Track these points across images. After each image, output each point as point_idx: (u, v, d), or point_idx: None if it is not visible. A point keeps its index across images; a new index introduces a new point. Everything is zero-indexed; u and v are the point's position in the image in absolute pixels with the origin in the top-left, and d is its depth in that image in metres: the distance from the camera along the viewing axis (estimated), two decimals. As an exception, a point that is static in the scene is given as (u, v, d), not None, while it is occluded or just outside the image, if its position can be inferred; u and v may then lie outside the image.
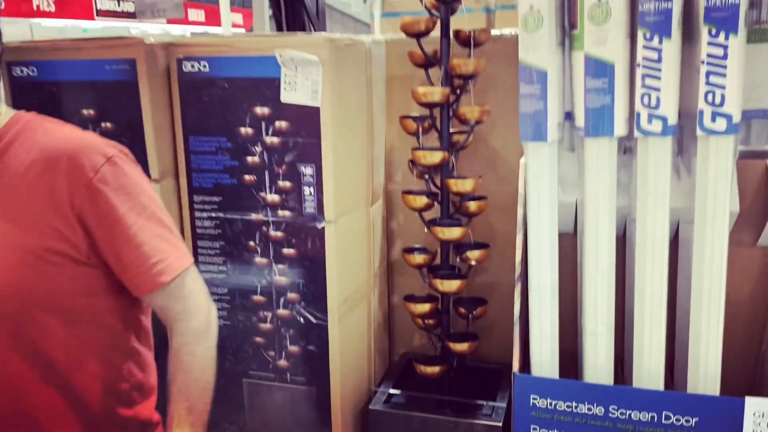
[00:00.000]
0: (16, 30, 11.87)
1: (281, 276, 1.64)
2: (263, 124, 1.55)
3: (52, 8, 13.40)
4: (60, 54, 1.59)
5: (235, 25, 16.37)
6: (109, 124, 1.60)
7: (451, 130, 1.65)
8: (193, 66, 1.55)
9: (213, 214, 1.65)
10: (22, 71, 1.61)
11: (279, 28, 2.96)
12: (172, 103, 1.60)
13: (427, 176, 1.68)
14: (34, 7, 12.86)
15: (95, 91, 1.58)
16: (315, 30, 3.58)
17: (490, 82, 1.76)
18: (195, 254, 1.68)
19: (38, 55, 1.60)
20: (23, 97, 1.63)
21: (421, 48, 1.60)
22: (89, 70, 1.56)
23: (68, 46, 1.59)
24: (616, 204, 1.48)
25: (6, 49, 1.58)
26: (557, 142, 1.48)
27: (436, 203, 1.67)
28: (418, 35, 1.58)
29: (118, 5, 15.26)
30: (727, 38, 1.26)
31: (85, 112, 1.60)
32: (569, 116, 1.55)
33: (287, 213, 1.60)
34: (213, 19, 17.37)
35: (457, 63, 1.54)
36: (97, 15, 14.71)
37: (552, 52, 1.40)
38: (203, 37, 1.56)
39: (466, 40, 1.59)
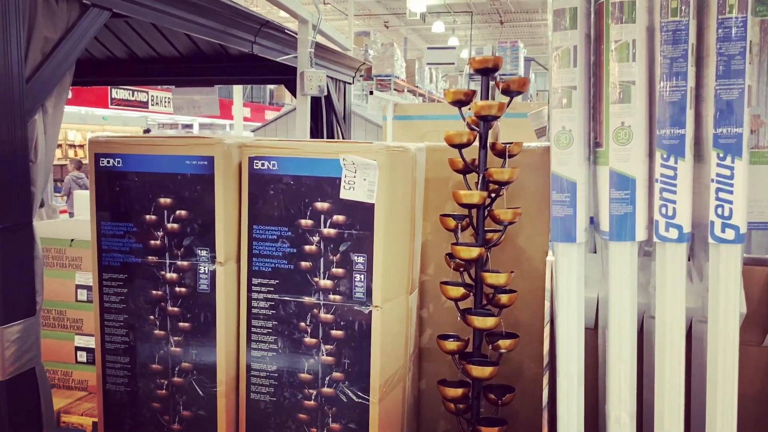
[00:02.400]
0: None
1: (328, 356, 1.78)
2: (322, 217, 1.74)
3: (69, 95, 14.04)
4: (145, 149, 1.81)
5: (245, 119, 17.05)
6: (183, 212, 1.79)
7: (485, 229, 1.85)
8: (263, 164, 1.76)
9: (269, 296, 1.81)
10: (108, 162, 1.82)
11: (313, 130, 3.23)
12: (241, 195, 1.80)
13: (462, 269, 1.86)
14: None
15: (174, 183, 1.78)
16: (342, 131, 3.89)
17: (518, 186, 1.98)
18: (248, 333, 1.83)
19: (125, 148, 1.82)
20: (107, 185, 1.83)
21: (462, 157, 1.83)
22: (170, 163, 1.78)
23: (154, 142, 1.81)
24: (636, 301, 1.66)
25: (95, 141, 1.80)
26: (584, 244, 1.67)
27: (470, 294, 1.84)
28: (460, 146, 1.81)
29: (132, 95, 15.98)
30: (733, 161, 1.49)
31: (162, 200, 1.80)
32: (592, 221, 1.75)
33: (338, 297, 1.76)
34: (224, 112, 18.15)
35: (494, 171, 1.76)
36: (111, 103, 15.39)
37: (581, 166, 1.62)
38: (273, 141, 1.79)
39: (501, 152, 1.82)
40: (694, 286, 1.78)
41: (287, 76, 3.72)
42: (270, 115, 19.47)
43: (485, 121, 1.76)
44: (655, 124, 1.56)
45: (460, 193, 1.77)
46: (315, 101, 3.21)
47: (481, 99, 1.78)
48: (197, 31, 2.48)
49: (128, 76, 4.43)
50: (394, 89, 13.84)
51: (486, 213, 1.83)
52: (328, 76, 3.17)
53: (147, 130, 10.70)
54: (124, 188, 1.83)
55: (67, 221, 3.91)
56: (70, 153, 12.95)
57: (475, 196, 1.76)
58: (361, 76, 12.72)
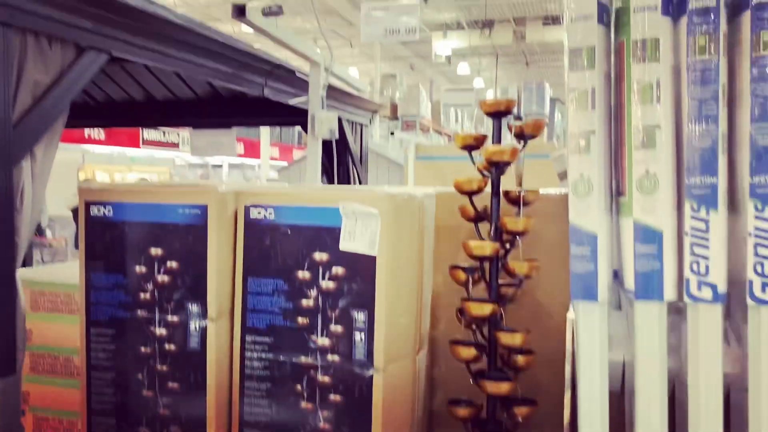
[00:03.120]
0: (70, 156, 12.64)
1: (325, 423, 1.63)
2: (320, 269, 1.62)
3: (102, 136, 14.36)
4: (137, 197, 1.71)
5: (272, 158, 17.21)
6: (174, 264, 1.69)
7: (500, 283, 1.70)
8: (259, 213, 1.66)
9: (263, 355, 1.68)
10: (99, 211, 1.73)
11: (329, 173, 3.14)
12: (236, 245, 1.69)
13: (474, 327, 1.71)
14: (86, 135, 13.80)
15: (166, 233, 1.68)
16: (359, 174, 3.79)
17: (534, 236, 1.83)
18: (241, 395, 1.69)
19: (117, 196, 1.73)
20: (98, 235, 1.74)
21: (473, 205, 1.70)
22: (163, 212, 1.68)
23: (147, 190, 1.72)
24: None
25: (86, 189, 1.71)
26: (607, 303, 1.51)
27: (483, 355, 1.69)
28: (471, 193, 1.68)
29: (163, 136, 16.28)
30: (773, 213, 1.33)
31: (153, 251, 1.70)
32: (616, 274, 1.60)
33: (336, 358, 1.62)
34: (251, 151, 18.37)
35: (508, 221, 1.62)
36: (143, 143, 15.69)
37: (601, 217, 1.47)
38: (271, 187, 1.68)
39: (515, 200, 1.68)
40: (731, 350, 1.60)
41: (302, 119, 3.65)
42: (298, 155, 19.65)
43: (497, 167, 1.63)
44: (683, 171, 1.42)
45: (471, 244, 1.63)
46: (329, 144, 3.13)
47: (492, 143, 1.66)
48: (206, 74, 2.42)
49: (146, 118, 4.43)
50: (420, 129, 13.85)
51: (500, 266, 1.69)
52: (344, 119, 3.09)
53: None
54: (115, 238, 1.73)
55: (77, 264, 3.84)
56: (98, 193, 13.09)
57: (487, 247, 1.62)
58: (385, 116, 12.76)
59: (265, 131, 15.52)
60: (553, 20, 17.82)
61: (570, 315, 1.88)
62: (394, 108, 13.43)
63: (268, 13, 2.16)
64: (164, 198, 1.69)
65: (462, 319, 1.72)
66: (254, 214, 1.67)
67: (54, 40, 1.70)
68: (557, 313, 1.90)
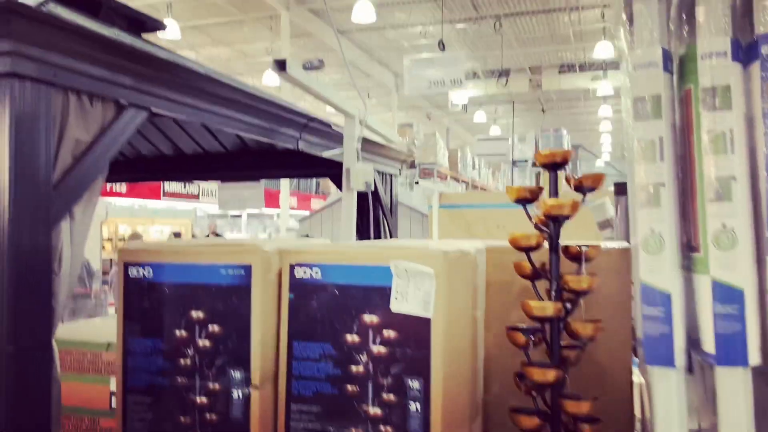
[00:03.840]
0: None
1: (378, 499, 1.51)
2: (370, 333, 1.52)
3: (124, 189, 14.54)
4: (178, 257, 1.65)
5: (291, 207, 17.27)
6: (216, 327, 1.60)
7: (561, 344, 1.59)
8: (305, 272, 1.58)
9: (310, 425, 1.57)
10: (138, 272, 1.66)
11: (359, 225, 3.08)
12: (281, 307, 1.60)
13: (536, 393, 1.59)
14: (108, 189, 13.98)
15: (207, 295, 1.60)
16: (389, 225, 3.72)
17: (594, 294, 1.73)
18: (286, 468, 1.58)
19: (156, 257, 1.66)
20: (136, 297, 1.67)
21: (531, 261, 1.60)
22: (204, 273, 1.61)
23: (188, 250, 1.65)
24: (753, 437, 1.36)
25: (125, 250, 1.65)
26: (684, 368, 1.40)
27: (546, 424, 1.56)
28: (528, 249, 1.59)
29: (184, 187, 16.46)
30: None
31: (194, 314, 1.62)
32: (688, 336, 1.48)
33: (389, 429, 1.51)
34: (270, 200, 18.48)
35: (571, 279, 1.53)
36: (164, 195, 15.86)
37: (675, 275, 1.37)
38: (316, 245, 1.60)
39: (575, 255, 1.59)
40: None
41: (332, 170, 3.61)
42: (316, 204, 19.71)
43: (556, 221, 1.55)
44: (763, 224, 1.32)
45: (532, 304, 1.53)
46: (361, 196, 3.07)
47: (549, 196, 1.57)
48: (241, 128, 2.39)
49: (175, 172, 4.42)
50: (437, 177, 13.84)
51: (561, 326, 1.58)
52: (375, 170, 3.05)
53: (177, 234, 10.72)
54: (154, 301, 1.66)
55: (105, 320, 3.78)
56: (120, 246, 13.19)
57: (548, 308, 1.52)
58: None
59: (284, 181, 15.60)
60: (569, 68, 17.97)
61: (637, 379, 1.75)
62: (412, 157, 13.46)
63: (309, 67, 2.14)
64: (206, 258, 1.61)
65: (522, 385, 1.61)
66: (300, 273, 1.59)
67: (95, 98, 1.68)
68: (619, 376, 1.78)
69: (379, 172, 3.40)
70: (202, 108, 2.09)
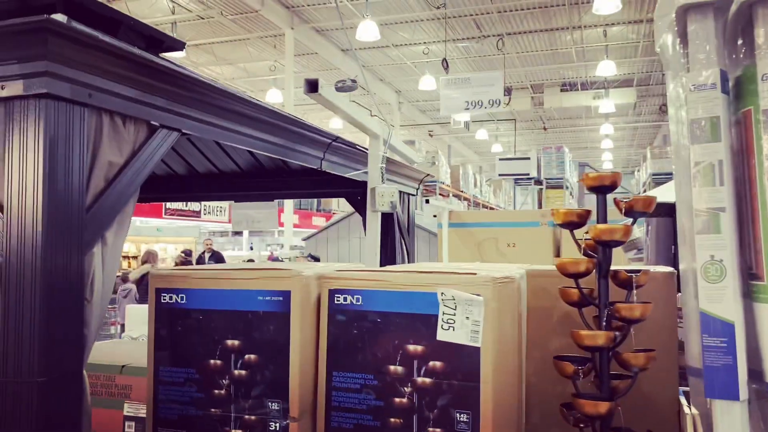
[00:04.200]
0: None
1: None
2: (415, 363, 1.47)
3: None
4: (211, 283, 1.59)
5: (295, 226, 17.24)
6: (253, 357, 1.55)
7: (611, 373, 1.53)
8: (345, 299, 1.52)
9: (351, 459, 1.51)
10: (171, 298, 1.61)
11: (382, 246, 3.03)
12: (319, 335, 1.55)
13: (583, 425, 1.53)
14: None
15: (244, 322, 1.55)
16: (407, 245, 3.66)
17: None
18: (325, 504, 1.51)
19: (189, 283, 1.61)
20: (168, 324, 1.61)
21: (579, 288, 1.55)
22: (240, 300, 1.55)
23: (222, 275, 1.59)
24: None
25: (157, 275, 1.59)
26: (747, 402, 1.34)
27: (597, 458, 1.50)
28: (576, 275, 1.53)
29: (186, 205, 16.41)
30: None
31: (229, 343, 1.56)
32: (743, 366, 1.42)
33: (435, 463, 1.45)
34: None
35: (623, 307, 1.47)
36: (165, 213, 15.80)
37: (737, 303, 1.32)
38: (357, 271, 1.55)
39: (625, 282, 1.53)
40: None
41: (349, 189, 3.57)
42: (317, 221, 19.68)
43: (606, 247, 1.50)
44: (829, 251, 1.27)
45: (582, 333, 1.48)
46: (383, 216, 3.02)
47: (598, 220, 1.52)
48: (267, 149, 2.34)
49: (187, 192, 4.37)
50: (440, 194, 13.81)
51: (611, 356, 1.53)
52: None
53: (188, 253, 10.49)
54: (186, 328, 1.60)
55: (117, 343, 3.71)
56: (124, 264, 13.12)
57: (600, 337, 1.46)
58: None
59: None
60: (571, 86, 18.04)
61: (688, 410, 1.69)
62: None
63: (341, 88, 2.10)
64: (243, 284, 1.56)
65: (569, 416, 1.55)
66: (339, 300, 1.53)
67: (128, 119, 1.63)
68: (666, 406, 1.72)
69: (398, 191, 3.36)
70: (231, 129, 2.04)
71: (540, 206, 16.73)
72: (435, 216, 6.82)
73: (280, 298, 1.52)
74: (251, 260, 11.78)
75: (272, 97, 14.76)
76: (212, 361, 1.58)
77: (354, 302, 1.52)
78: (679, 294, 1.71)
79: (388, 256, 3.61)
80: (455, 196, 15.44)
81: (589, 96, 17.82)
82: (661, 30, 1.59)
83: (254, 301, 1.54)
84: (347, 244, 9.97)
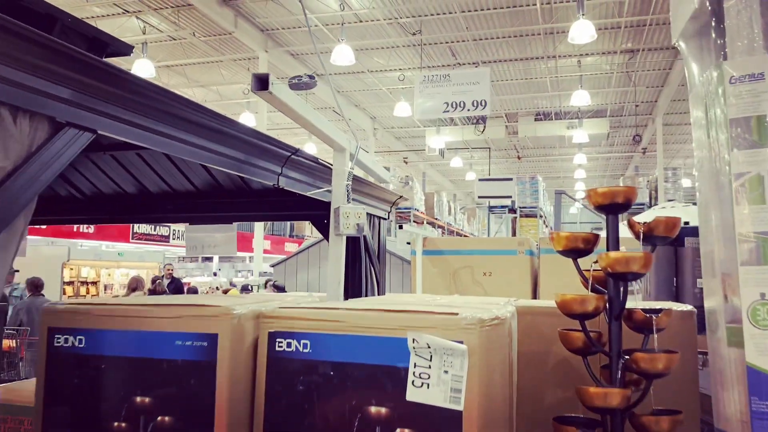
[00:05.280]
0: (55, 251, 12.08)
1: None
2: (378, 431, 1.13)
3: (92, 230, 13.91)
4: (118, 322, 1.24)
5: (266, 251, 16.77)
6: (168, 419, 1.19)
7: (624, 441, 1.21)
8: (289, 345, 1.18)
9: None
10: (66, 341, 1.25)
11: (348, 275, 2.69)
12: (255, 392, 1.20)
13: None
14: (74, 229, 13.34)
15: (157, 373, 1.19)
16: (377, 273, 3.33)
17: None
18: None
19: (90, 321, 1.25)
20: (62, 373, 1.25)
21: (586, 331, 1.23)
22: (154, 344, 1.20)
23: (131, 312, 1.24)
24: None
25: (50, 311, 1.24)
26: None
27: None
28: (583, 316, 1.22)
29: (154, 229, 15.86)
30: None
31: (139, 400, 1.20)
32: None
33: None
34: (243, 245, 17.93)
35: (642, 358, 1.16)
36: (132, 238, 15.22)
37: (796, 357, 1.02)
38: (306, 308, 1.21)
39: (643, 325, 1.22)
40: None
41: (314, 212, 3.23)
42: (291, 247, 19.25)
43: (621, 280, 1.19)
44: None
45: (592, 392, 1.16)
46: (350, 241, 2.69)
47: (608, 247, 1.22)
48: (212, 160, 2.01)
49: (137, 213, 3.99)
50: (414, 221, 13.55)
51: (624, 417, 1.21)
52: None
53: (154, 280, 9.50)
54: (84, 380, 1.24)
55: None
56: (82, 290, 12.50)
57: (614, 396, 1.15)
58: (383, 209, 12.45)
59: (259, 223, 15.16)
60: (545, 115, 18.09)
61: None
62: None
63: (296, 85, 1.78)
64: (157, 324, 1.21)
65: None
66: (282, 345, 1.19)
67: (21, 113, 1.29)
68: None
69: (367, 214, 3.04)
70: (164, 133, 1.70)
71: (514, 234, 16.57)
72: (409, 243, 6.53)
73: (205, 344, 1.17)
74: (226, 291, 11.10)
75: (245, 121, 14.44)
76: (116, 424, 1.21)
77: (300, 349, 1.18)
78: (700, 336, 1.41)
79: (354, 286, 3.27)
80: (429, 223, 15.26)
81: (563, 126, 17.87)
82: (680, 20, 1.31)
83: (171, 347, 1.19)
84: (317, 271, 9.59)
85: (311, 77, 1.69)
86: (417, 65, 13.25)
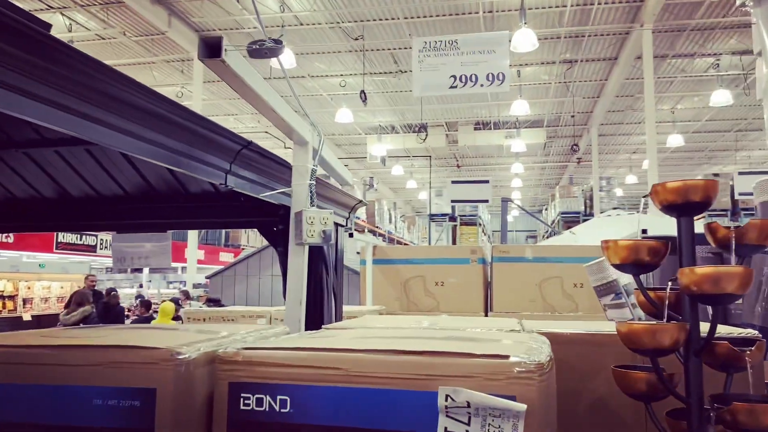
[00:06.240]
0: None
1: None
2: None
3: (11, 239, 12.88)
4: (16, 372, 0.85)
5: (200, 262, 16.08)
6: None
7: None
8: (260, 402, 0.83)
9: None
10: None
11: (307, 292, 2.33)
12: (211, 470, 0.84)
13: None
14: (-9, 238, 12.30)
15: (65, 449, 0.81)
16: (334, 287, 2.97)
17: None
18: None
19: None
20: None
21: (659, 371, 0.93)
22: (63, 403, 0.82)
23: (26, 357, 0.85)
24: None
25: None
26: None
27: None
28: (656, 353, 0.92)
29: (79, 239, 14.87)
30: None
31: (35, 489, 0.82)
32: None
33: None
34: (175, 255, 17.10)
35: (744, 409, 0.87)
36: (57, 248, 14.20)
37: None
38: (282, 350, 0.86)
39: (728, 361, 0.93)
40: None
41: (263, 218, 2.87)
42: (226, 257, 18.56)
43: (711, 304, 0.89)
44: None
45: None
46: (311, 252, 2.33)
47: (680, 261, 0.92)
48: (144, 151, 1.62)
49: (56, 220, 3.50)
50: (356, 230, 13.29)
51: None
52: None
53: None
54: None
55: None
56: (-4, 306, 11.51)
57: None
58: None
59: (192, 232, 14.46)
60: (484, 125, 18.22)
61: None
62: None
63: (256, 51, 1.40)
64: (68, 373, 0.83)
65: None
66: (250, 403, 0.84)
67: None
68: None
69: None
70: (80, 112, 1.29)
71: (454, 242, 16.50)
72: (358, 252, 6.20)
73: (137, 403, 0.80)
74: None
75: (178, 125, 13.74)
76: None
77: (276, 408, 0.83)
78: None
79: (315, 304, 2.90)
80: (371, 231, 15.03)
81: (502, 135, 18.02)
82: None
83: (88, 409, 0.82)
84: (257, 282, 9.09)
85: (277, 42, 1.33)
86: (359, 71, 13.00)
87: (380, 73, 13.72)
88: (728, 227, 0.90)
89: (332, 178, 2.54)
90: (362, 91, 12.31)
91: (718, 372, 0.95)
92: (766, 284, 1.75)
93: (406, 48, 12.37)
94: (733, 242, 0.89)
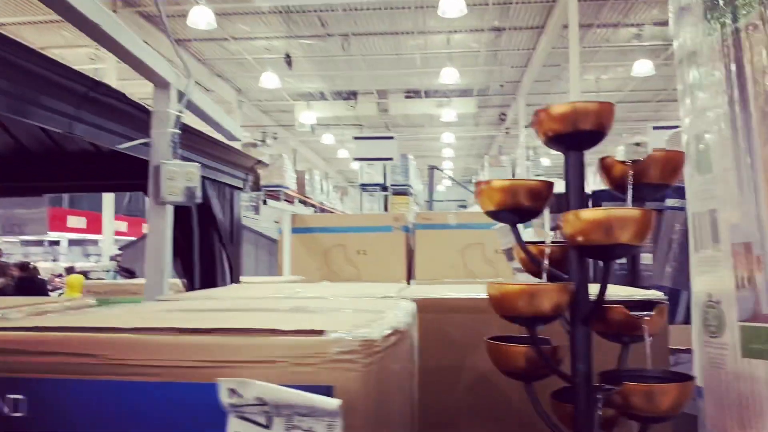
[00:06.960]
0: None
1: None
2: None
3: None
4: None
5: (118, 233, 15.34)
6: None
7: None
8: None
9: None
10: None
11: (184, 255, 2.06)
12: None
13: None
14: None
15: None
16: (229, 256, 2.71)
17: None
18: None
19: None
20: None
21: (537, 345, 0.74)
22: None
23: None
24: None
25: None
26: None
27: None
28: (535, 320, 0.72)
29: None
30: None
31: None
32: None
33: None
34: (94, 226, 16.21)
35: (638, 390, 0.68)
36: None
37: None
38: (48, 318, 0.61)
39: (623, 329, 0.75)
40: None
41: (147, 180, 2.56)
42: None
43: (603, 258, 0.70)
44: None
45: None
46: (185, 214, 2.07)
47: (569, 205, 0.73)
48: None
49: None
50: (285, 200, 12.93)
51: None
52: (206, 177, 2.07)
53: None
54: None
55: None
56: None
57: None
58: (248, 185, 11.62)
59: (108, 201, 13.71)
60: (415, 93, 18.06)
61: None
62: (256, 177, 12.33)
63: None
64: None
65: None
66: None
67: None
68: None
69: (214, 182, 2.40)
70: None
71: (386, 212, 16.40)
72: (277, 222, 5.91)
73: None
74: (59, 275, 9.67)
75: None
76: None
77: (4, 410, 0.59)
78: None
79: (207, 274, 2.64)
80: (301, 201, 14.72)
81: (433, 104, 17.91)
82: None
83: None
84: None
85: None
86: (284, 34, 12.50)
87: (307, 36, 13.27)
88: (624, 161, 0.71)
89: (219, 135, 2.27)
90: (287, 54, 11.85)
91: (617, 344, 0.77)
92: (677, 242, 1.62)
93: (333, 10, 11.95)
94: (630, 180, 0.70)
